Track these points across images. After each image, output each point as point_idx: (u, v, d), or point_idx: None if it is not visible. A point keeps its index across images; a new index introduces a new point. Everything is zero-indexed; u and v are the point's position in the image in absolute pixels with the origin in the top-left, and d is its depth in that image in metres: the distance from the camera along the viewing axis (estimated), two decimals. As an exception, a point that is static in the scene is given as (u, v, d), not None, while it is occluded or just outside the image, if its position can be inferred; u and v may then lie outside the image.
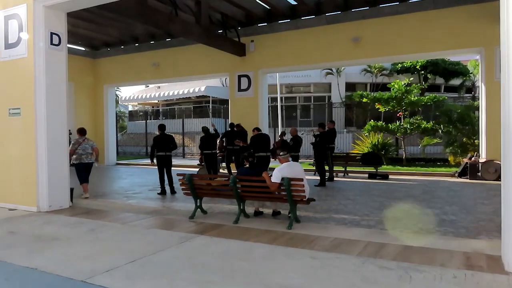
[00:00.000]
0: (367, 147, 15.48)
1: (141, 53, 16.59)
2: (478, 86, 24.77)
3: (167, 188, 9.15)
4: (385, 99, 14.58)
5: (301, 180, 5.57)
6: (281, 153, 5.92)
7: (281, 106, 21.05)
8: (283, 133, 10.20)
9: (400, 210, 6.98)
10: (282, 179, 5.55)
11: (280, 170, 5.68)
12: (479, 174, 10.86)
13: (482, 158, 11.04)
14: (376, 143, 15.38)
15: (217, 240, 5.05)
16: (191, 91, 26.95)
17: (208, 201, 7.51)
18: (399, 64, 24.84)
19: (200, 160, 10.76)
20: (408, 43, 11.65)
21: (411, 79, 15.51)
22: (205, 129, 10.61)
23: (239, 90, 14.68)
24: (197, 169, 12.42)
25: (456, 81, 26.71)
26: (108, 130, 17.99)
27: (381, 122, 15.50)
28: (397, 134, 15.38)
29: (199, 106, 29.07)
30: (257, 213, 6.56)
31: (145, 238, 5.24)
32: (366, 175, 12.01)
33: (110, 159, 18.08)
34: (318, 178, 10.19)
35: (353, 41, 12.26)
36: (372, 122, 15.47)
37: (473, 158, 11.16)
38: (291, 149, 9.64)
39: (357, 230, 5.60)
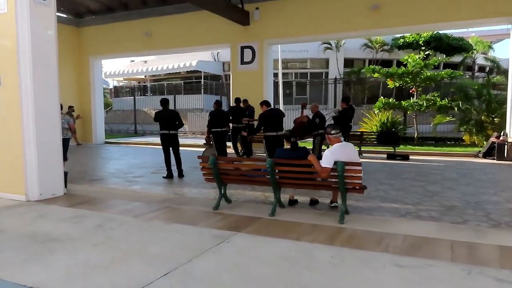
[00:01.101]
0: (376, 125, 14.59)
1: (131, 21, 15.04)
2: (477, 64, 24.18)
3: (174, 171, 8.03)
4: (399, 74, 13.59)
5: (359, 164, 4.56)
6: (332, 132, 4.87)
7: (282, 82, 19.85)
8: (303, 105, 9.04)
9: (452, 197, 6.08)
10: (335, 163, 4.53)
11: (332, 152, 4.66)
12: (505, 154, 10.12)
13: (510, 138, 10.26)
14: (385, 121, 14.51)
15: (261, 240, 4.03)
16: (181, 65, 25.45)
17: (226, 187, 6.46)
18: (401, 39, 23.83)
19: (207, 139, 9.64)
20: (432, 11, 10.59)
21: (419, 56, 14.47)
22: (219, 103, 9.42)
23: (242, 62, 13.45)
24: (203, 149, 11.37)
25: (456, 59, 25.92)
26: (95, 107, 16.56)
27: (392, 99, 14.57)
28: (408, 112, 14.52)
29: (189, 81, 27.59)
30: (292, 202, 5.56)
31: (169, 237, 4.17)
32: (384, 156, 11.14)
33: (99, 137, 16.73)
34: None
35: (372, 9, 11.12)
36: (383, 99, 14.54)
37: (501, 138, 10.37)
38: (318, 127, 8.57)
39: (424, 224, 4.67)
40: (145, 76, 30.40)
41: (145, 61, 29.67)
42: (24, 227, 4.56)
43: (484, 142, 13.11)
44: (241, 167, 5.34)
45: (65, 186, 6.42)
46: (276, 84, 19.79)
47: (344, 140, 9.41)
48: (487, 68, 27.48)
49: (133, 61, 32.50)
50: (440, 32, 23.61)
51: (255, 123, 11.96)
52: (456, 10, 10.34)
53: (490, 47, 24.84)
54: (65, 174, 6.48)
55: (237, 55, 13.49)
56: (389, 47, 24.66)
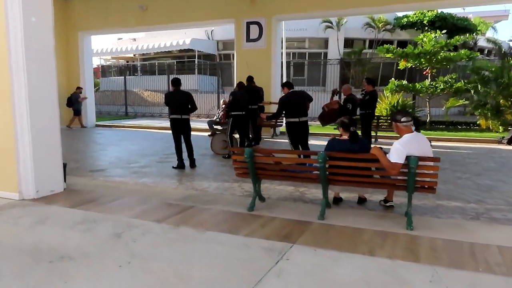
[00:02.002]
0: (386, 108, 13.86)
1: (125, -8, 13.79)
2: (478, 46, 23.46)
3: (184, 160, 7.12)
4: (415, 54, 12.76)
5: (436, 159, 3.76)
6: (403, 119, 4.04)
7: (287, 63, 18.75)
8: (335, 92, 8.05)
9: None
10: (407, 158, 3.72)
11: (403, 144, 3.83)
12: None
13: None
14: (395, 104, 13.78)
15: (328, 255, 3.22)
16: (174, 44, 24.13)
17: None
18: (404, 18, 22.95)
19: (215, 123, 8.68)
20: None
21: (435, 35, 13.56)
22: (241, 84, 8.43)
23: (248, 40, 12.43)
24: (207, 134, 10.44)
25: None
26: (85, 87, 15.34)
27: (403, 81, 13.80)
28: (421, 95, 13.79)
29: (182, 61, 26.29)
30: (337, 200, 4.76)
31: (209, 252, 3.32)
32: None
33: (89, 120, 15.59)
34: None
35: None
36: (394, 80, 13.75)
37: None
38: (349, 113, 7.69)
39: (509, 230, 3.92)
40: (134, 55, 28.93)
41: (134, 39, 28.17)
42: (22, 238, 3.64)
43: (500, 127, 12.55)
44: (282, 161, 4.47)
45: (64, 180, 5.47)
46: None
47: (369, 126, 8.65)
48: (486, 50, 26.88)
49: (121, 38, 30.92)
50: (445, 11, 22.94)
51: (272, 106, 10.98)
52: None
53: (493, 28, 24.20)
54: (64, 166, 5.53)
55: (242, 32, 12.45)
56: (392, 27, 23.76)
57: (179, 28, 16.66)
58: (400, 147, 3.80)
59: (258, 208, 4.50)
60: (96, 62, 31.76)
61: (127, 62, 30.00)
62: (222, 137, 8.78)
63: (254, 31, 12.33)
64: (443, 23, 22.03)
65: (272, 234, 3.71)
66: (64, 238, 3.61)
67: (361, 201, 4.80)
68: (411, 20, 22.72)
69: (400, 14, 24.58)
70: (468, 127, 13.71)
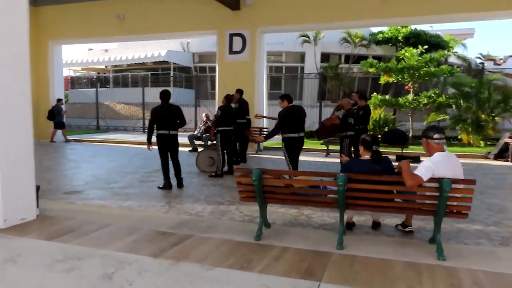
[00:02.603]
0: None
1: (100, 1, 13.11)
2: (449, 62, 24.13)
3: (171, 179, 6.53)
4: (399, 68, 12.73)
5: (471, 182, 3.40)
6: (435, 136, 3.65)
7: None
8: (339, 107, 7.53)
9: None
10: (437, 179, 3.35)
11: (435, 163, 3.46)
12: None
13: (525, 139, 9.67)
14: (378, 119, 13.69)
15: (364, 298, 2.76)
16: (148, 55, 23.40)
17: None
18: (380, 34, 23.30)
19: (195, 138, 8.11)
20: (444, 2, 9.72)
21: (416, 50, 13.62)
22: (229, 97, 7.92)
23: (231, 52, 12.02)
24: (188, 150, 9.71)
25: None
26: (55, 99, 14.42)
27: (387, 95, 13.77)
28: (402, 109, 13.77)
29: (156, 73, 25.55)
30: (350, 225, 4.33)
31: (224, 296, 2.79)
32: (392, 157, 10.17)
33: (58, 135, 14.60)
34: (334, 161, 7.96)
35: (380, -2, 10.08)
36: (377, 95, 13.69)
37: (517, 138, 9.76)
38: (349, 128, 7.30)
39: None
40: (106, 67, 27.91)
41: (106, 50, 27.21)
42: (-10, 283, 2.98)
43: (481, 142, 12.65)
44: (294, 183, 4.00)
45: (37, 206, 4.77)
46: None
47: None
48: (455, 66, 27.65)
49: (91, 49, 29.86)
50: (418, 28, 23.46)
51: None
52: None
53: (463, 45, 24.96)
54: (37, 188, 4.84)
55: (225, 44, 12.04)
56: (367, 42, 24.06)
57: (158, 39, 16.10)
58: (431, 165, 3.42)
59: (265, 236, 4.00)
60: (65, 73, 30.48)
61: (98, 73, 28.94)
62: (208, 153, 8.24)
63: (237, 43, 11.94)
64: (417, 39, 22.46)
65: (291, 270, 3.22)
66: (42, 283, 2.97)
67: (376, 225, 4.39)
68: (386, 36, 23.10)
69: (375, 30, 25.03)
70: (449, 142, 13.75)
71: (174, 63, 24.24)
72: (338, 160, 9.89)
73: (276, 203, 4.19)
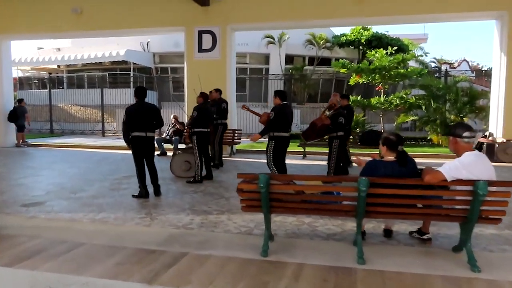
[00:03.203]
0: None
1: (55, -8, 12.04)
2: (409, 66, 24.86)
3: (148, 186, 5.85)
4: (370, 69, 12.68)
5: (508, 184, 3.08)
6: (465, 134, 3.29)
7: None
8: (331, 107, 6.96)
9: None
10: (471, 181, 3.00)
11: (466, 164, 3.11)
12: (495, 155, 9.67)
13: (499, 138, 9.82)
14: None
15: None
16: (106, 54, 22.11)
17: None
18: (343, 37, 23.52)
19: (186, 141, 7.46)
20: (420, 1, 9.72)
21: (386, 51, 13.65)
22: (205, 95, 7.32)
23: (200, 50, 11.40)
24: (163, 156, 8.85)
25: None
26: (3, 99, 13.09)
27: (358, 96, 13.72)
28: (373, 110, 13.76)
29: (114, 73, 24.24)
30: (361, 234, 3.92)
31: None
32: (369, 159, 10.01)
33: (8, 139, 13.27)
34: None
35: (358, -4, 9.89)
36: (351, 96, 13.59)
37: (490, 138, 9.88)
38: (339, 128, 6.87)
39: None
40: (59, 66, 26.14)
41: (59, 49, 25.48)
42: None
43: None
44: (305, 190, 3.51)
45: (-9, 222, 3.98)
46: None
47: (343, 145, 8.04)
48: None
49: (42, 48, 27.91)
50: (379, 31, 23.96)
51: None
52: (446, 2, 9.57)
53: (421, 49, 25.77)
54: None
55: (194, 41, 11.39)
56: (331, 45, 24.21)
57: (119, 35, 15.05)
58: (458, 165, 3.08)
59: (272, 251, 3.49)
60: (17, 73, 28.28)
61: (50, 73, 27.05)
62: (183, 157, 7.59)
63: (207, 40, 11.34)
64: (379, 42, 22.91)
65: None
66: (10, 328, 2.28)
67: (388, 233, 4.01)
68: (349, 39, 23.38)
69: (338, 32, 25.29)
70: (417, 142, 13.91)
71: (134, 63, 23.08)
72: (317, 162, 9.67)
73: (284, 212, 3.72)
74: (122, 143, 14.02)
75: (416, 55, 12.35)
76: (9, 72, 13.69)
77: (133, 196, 5.77)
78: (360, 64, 13.19)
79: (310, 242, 3.88)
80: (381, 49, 13.30)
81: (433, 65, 32.77)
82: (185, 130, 8.62)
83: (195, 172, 6.88)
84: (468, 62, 29.59)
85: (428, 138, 13.36)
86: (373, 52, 13.34)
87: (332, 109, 7.03)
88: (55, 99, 20.28)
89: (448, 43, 71.13)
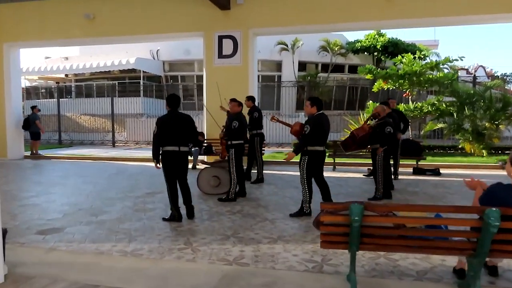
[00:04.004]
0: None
1: (66, -3, 11.45)
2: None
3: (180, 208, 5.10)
4: (399, 75, 11.95)
5: None
6: None
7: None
8: (375, 116, 6.23)
9: None
10: None
11: None
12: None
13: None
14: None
15: None
16: (116, 63, 21.60)
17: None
18: (358, 43, 22.88)
19: (223, 154, 6.72)
20: (453, 4, 9.03)
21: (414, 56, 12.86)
22: (239, 102, 6.62)
23: (220, 56, 10.73)
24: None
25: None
26: (10, 110, 12.46)
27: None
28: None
29: (123, 82, 23.67)
30: (461, 273, 3.14)
31: None
32: (407, 170, 9.26)
33: (15, 150, 12.60)
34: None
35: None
36: (372, 103, 12.89)
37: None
38: (385, 138, 6.12)
39: None
40: (67, 75, 25.65)
41: (66, 58, 25.05)
42: None
43: (484, 152, 12.08)
44: (406, 222, 2.75)
45: (3, 259, 3.25)
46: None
47: (394, 155, 7.30)
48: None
49: (49, 57, 27.47)
50: (394, 37, 23.31)
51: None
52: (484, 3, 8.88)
53: (437, 55, 25.04)
54: (3, 233, 3.33)
55: (214, 47, 10.73)
56: (345, 51, 23.57)
57: (133, 42, 14.36)
58: None
59: (361, 299, 2.74)
60: (24, 83, 27.77)
61: (57, 83, 26.54)
62: (212, 171, 6.86)
63: (227, 46, 10.68)
64: (395, 48, 22.28)
65: None
66: None
67: (494, 270, 3.24)
68: (364, 45, 22.73)
69: (351, 39, 24.66)
70: (445, 151, 13.12)
71: (143, 72, 22.51)
72: (351, 175, 8.90)
73: (376, 250, 2.96)
74: (135, 154, 13.54)
75: (450, 59, 11.52)
76: (18, 80, 13.10)
77: (164, 219, 5.03)
78: (388, 70, 12.45)
79: (402, 283, 3.12)
80: (409, 53, 12.55)
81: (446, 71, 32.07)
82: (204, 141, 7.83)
83: (229, 189, 6.15)
84: (484, 68, 28.85)
85: (460, 146, 12.57)
86: (399, 57, 12.62)
87: (376, 118, 6.28)
88: (63, 108, 19.67)
89: (457, 49, 70.43)
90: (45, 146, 16.07)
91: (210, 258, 3.70)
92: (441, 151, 12.98)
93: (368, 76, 12.88)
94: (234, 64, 10.64)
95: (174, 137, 4.85)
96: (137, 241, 4.21)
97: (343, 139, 7.09)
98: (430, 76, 11.88)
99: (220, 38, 10.70)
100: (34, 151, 12.92)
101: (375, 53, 23.23)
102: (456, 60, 11.48)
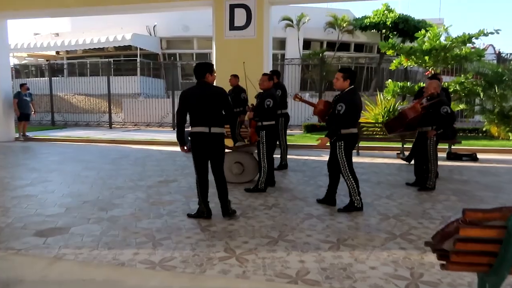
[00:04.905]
0: (381, 113, 12.00)
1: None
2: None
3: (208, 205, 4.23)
4: (425, 50, 10.99)
5: None
6: None
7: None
8: (432, 96, 5.23)
9: None
10: None
11: None
12: None
13: None
14: (391, 109, 11.99)
15: None
16: (110, 39, 20.33)
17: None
18: (366, 19, 21.79)
19: (239, 136, 5.85)
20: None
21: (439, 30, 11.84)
22: (271, 77, 5.69)
23: (232, 28, 9.68)
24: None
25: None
26: (0, 87, 11.37)
27: (405, 82, 12.11)
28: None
29: (119, 60, 22.44)
30: None
31: None
32: (441, 155, 8.43)
33: (6, 132, 11.57)
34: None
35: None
36: (391, 82, 12.00)
37: None
38: (439, 119, 5.23)
39: None
40: (58, 53, 24.31)
41: (57, 34, 23.69)
42: None
43: (510, 134, 11.33)
44: None
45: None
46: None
47: (450, 139, 6.40)
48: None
49: (38, 34, 26.01)
50: (404, 13, 22.25)
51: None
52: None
53: (447, 32, 24.06)
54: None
55: (224, 17, 9.66)
56: (352, 28, 22.49)
57: (133, 12, 13.26)
58: None
59: None
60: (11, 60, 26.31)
61: (48, 60, 25.17)
62: (234, 157, 5.98)
63: (240, 16, 9.62)
64: (406, 24, 21.27)
65: None
66: None
67: None
68: (373, 21, 21.66)
69: (358, 15, 23.52)
70: (466, 134, 12.33)
71: (140, 49, 21.28)
72: (379, 160, 8.04)
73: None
74: (136, 136, 12.56)
75: (485, 32, 10.55)
76: (6, 56, 11.95)
77: (189, 216, 4.16)
78: (413, 44, 11.51)
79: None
80: (435, 27, 11.58)
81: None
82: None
83: (259, 178, 5.28)
84: (494, 47, 27.95)
85: (484, 129, 11.80)
86: (422, 31, 11.63)
87: (433, 97, 5.39)
88: (55, 88, 18.43)
89: (463, 28, 69.15)
90: (37, 128, 15.01)
91: (266, 273, 2.85)
92: (462, 134, 12.21)
93: (389, 52, 11.90)
94: (247, 37, 9.60)
95: (202, 116, 3.93)
96: (164, 247, 3.34)
97: (387, 119, 6.23)
98: (459, 52, 10.93)
99: (232, 7, 9.63)
100: (22, 133, 11.88)
101: (384, 30, 22.20)
102: (492, 33, 10.53)
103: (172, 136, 12.11)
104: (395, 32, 21.83)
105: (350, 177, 4.43)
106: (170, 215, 4.27)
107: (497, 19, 68.88)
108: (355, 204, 4.41)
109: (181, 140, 4.07)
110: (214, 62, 10.09)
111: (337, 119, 4.38)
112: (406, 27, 21.06)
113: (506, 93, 10.83)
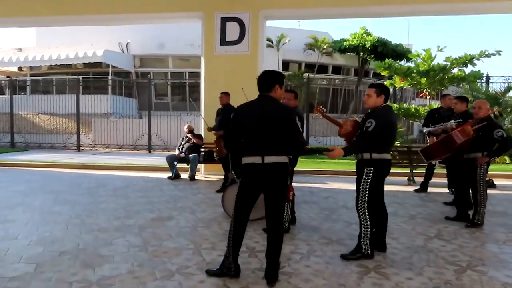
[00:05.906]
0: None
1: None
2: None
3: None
4: (422, 71, 10.58)
5: None
6: None
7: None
8: (482, 119, 4.67)
9: None
10: None
11: None
12: None
13: None
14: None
15: None
16: (80, 55, 18.99)
17: None
18: (345, 42, 21.69)
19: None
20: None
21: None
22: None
23: (223, 42, 8.88)
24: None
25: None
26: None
27: (401, 104, 11.65)
28: (412, 120, 11.72)
29: (87, 77, 21.03)
30: None
31: None
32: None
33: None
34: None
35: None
36: (392, 104, 11.51)
37: None
38: (488, 144, 4.52)
39: None
40: (20, 69, 22.58)
41: (20, 49, 22.02)
42: None
43: (506, 158, 11.03)
44: None
45: None
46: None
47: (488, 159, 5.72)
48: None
49: (-2, 48, 24.16)
50: (382, 37, 22.30)
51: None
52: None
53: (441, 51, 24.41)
54: None
55: (215, 31, 8.86)
56: (331, 50, 22.32)
57: (113, 23, 12.14)
58: None
59: None
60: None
61: (8, 77, 23.28)
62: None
63: (232, 30, 8.85)
64: (384, 48, 21.31)
65: None
66: None
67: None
68: (352, 44, 21.57)
69: (338, 38, 23.42)
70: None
71: (112, 66, 20.02)
72: (441, 190, 7.11)
73: None
74: (109, 160, 11.22)
75: (487, 53, 10.30)
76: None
77: (209, 273, 3.13)
78: (410, 65, 11.11)
79: None
80: (429, 48, 11.26)
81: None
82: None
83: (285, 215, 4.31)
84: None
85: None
86: (416, 53, 11.29)
87: (484, 120, 4.68)
88: (16, 106, 16.78)
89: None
90: (-7, 150, 13.38)
91: None
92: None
93: (384, 73, 11.45)
94: (240, 52, 8.82)
95: (256, 140, 2.98)
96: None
97: (427, 146, 5.44)
98: (457, 74, 10.60)
99: (224, 21, 8.85)
100: None
101: (362, 53, 22.17)
102: (494, 54, 10.28)
103: (151, 160, 11.03)
104: (372, 56, 21.83)
105: (367, 214, 3.57)
106: (182, 272, 3.22)
107: (465, 43, 72.32)
108: (363, 250, 3.55)
109: (238, 174, 3.10)
110: (202, 80, 9.21)
111: (364, 136, 3.53)
112: (385, 51, 21.08)
113: (506, 116, 10.56)
